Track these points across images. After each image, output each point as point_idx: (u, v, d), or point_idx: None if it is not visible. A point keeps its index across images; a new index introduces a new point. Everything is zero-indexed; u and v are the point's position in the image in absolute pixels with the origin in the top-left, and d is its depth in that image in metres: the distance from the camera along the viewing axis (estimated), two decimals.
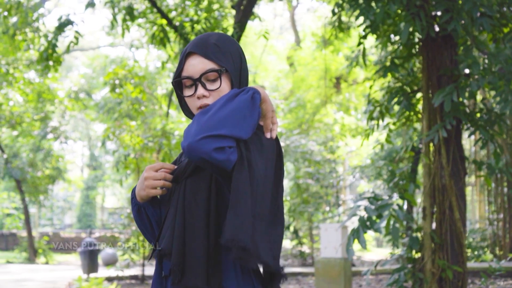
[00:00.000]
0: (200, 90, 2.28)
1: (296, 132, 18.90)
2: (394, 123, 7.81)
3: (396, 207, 6.61)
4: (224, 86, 2.30)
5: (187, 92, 2.33)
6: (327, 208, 18.35)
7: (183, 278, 2.18)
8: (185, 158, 2.40)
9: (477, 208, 20.13)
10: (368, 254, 21.18)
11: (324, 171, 17.39)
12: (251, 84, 23.50)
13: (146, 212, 2.43)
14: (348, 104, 21.15)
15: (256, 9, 11.67)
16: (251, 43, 24.81)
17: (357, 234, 6.62)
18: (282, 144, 17.95)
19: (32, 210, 30.56)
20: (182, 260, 2.19)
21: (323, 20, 18.94)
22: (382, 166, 14.24)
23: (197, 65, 2.29)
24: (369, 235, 25.61)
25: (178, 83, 2.35)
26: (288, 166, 21.75)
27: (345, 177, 17.17)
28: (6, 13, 11.26)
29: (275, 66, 26.76)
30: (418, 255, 7.03)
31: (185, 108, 2.41)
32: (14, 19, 12.53)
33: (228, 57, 2.32)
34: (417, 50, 7.28)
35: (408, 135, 9.43)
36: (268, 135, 2.24)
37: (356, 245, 23.75)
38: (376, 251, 24.03)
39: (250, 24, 21.07)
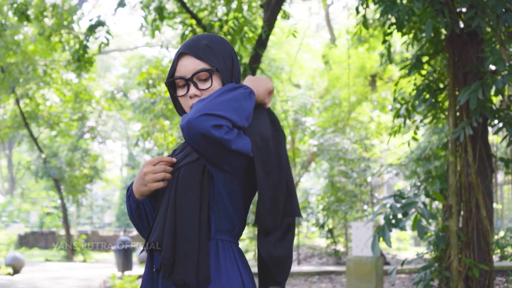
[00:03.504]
0: (192, 90, 2.34)
1: (330, 130, 18.84)
2: (421, 121, 7.75)
3: (421, 205, 6.58)
4: (215, 85, 2.36)
5: (180, 92, 2.40)
6: (365, 207, 18.25)
7: (173, 271, 2.23)
8: (180, 151, 2.47)
9: None
10: (405, 253, 21.00)
11: (358, 169, 17.30)
12: (286, 82, 23.47)
13: (145, 208, 2.48)
14: (384, 102, 21.01)
15: (290, 8, 11.65)
16: (286, 42, 24.77)
17: (382, 232, 6.60)
18: (315, 142, 17.92)
19: (71, 209, 30.96)
20: (173, 253, 2.24)
21: (357, 18, 18.81)
22: (417, 164, 14.08)
23: (189, 65, 2.35)
24: (407, 233, 25.42)
25: (171, 83, 2.42)
26: (323, 165, 21.70)
27: (376, 175, 17.04)
28: (40, 17, 11.42)
29: (310, 64, 26.68)
30: (443, 253, 6.98)
31: (179, 108, 2.48)
32: (52, 21, 12.76)
33: (219, 57, 2.38)
34: (443, 47, 7.22)
35: (444, 133, 9.34)
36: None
37: (393, 244, 23.59)
38: (413, 249, 23.80)
39: (285, 23, 21.06)
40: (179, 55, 2.39)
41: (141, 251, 2.49)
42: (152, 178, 2.37)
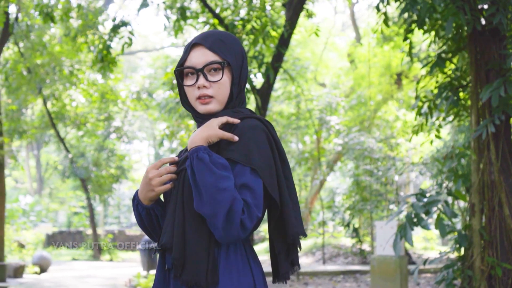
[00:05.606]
0: (201, 80, 2.34)
1: (355, 129, 18.75)
2: (443, 119, 7.70)
3: (443, 204, 6.54)
4: (225, 79, 2.37)
5: (188, 82, 2.40)
6: (391, 206, 18.15)
7: (183, 273, 2.23)
8: (186, 150, 2.46)
9: None
10: (432, 252, 20.84)
11: (384, 168, 17.19)
12: (311, 81, 23.42)
13: (156, 213, 2.47)
14: (409, 100, 20.87)
15: (314, 6, 11.63)
16: (312, 41, 24.72)
17: (404, 231, 6.57)
18: (340, 141, 17.86)
19: (99, 208, 31.17)
20: (183, 254, 2.24)
21: (377, 16, 18.69)
22: (439, 162, 13.97)
23: (201, 56, 2.36)
24: (434, 232, 25.21)
25: (180, 72, 2.42)
26: (348, 164, 21.61)
27: (398, 173, 16.90)
28: (65, 18, 11.51)
29: (336, 63, 26.59)
30: (466, 252, 6.92)
31: (183, 97, 2.47)
32: (77, 22, 12.86)
33: (231, 52, 2.39)
34: (465, 44, 7.16)
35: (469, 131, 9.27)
36: (235, 139, 2.28)
37: (420, 243, 23.43)
38: (441, 249, 23.59)
39: (309, 22, 21.01)
40: (192, 46, 2.39)
41: (154, 253, 2.50)
42: (158, 181, 2.36)
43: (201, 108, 2.38)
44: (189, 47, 2.40)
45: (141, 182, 2.42)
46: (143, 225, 2.51)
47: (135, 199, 2.47)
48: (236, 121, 2.31)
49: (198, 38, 2.40)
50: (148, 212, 2.46)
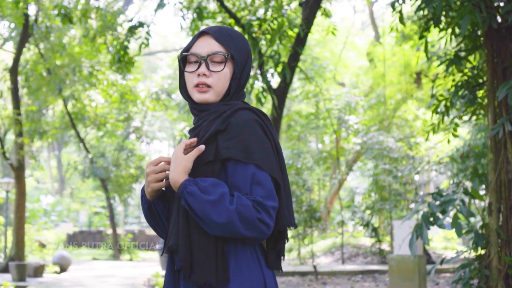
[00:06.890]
0: (202, 68, 2.36)
1: (374, 129, 18.70)
2: (460, 117, 7.65)
3: (460, 203, 6.49)
4: (226, 71, 2.38)
5: (190, 68, 2.42)
6: (411, 206, 18.04)
7: (192, 273, 2.24)
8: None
9: None
10: (452, 252, 20.70)
11: (403, 167, 17.12)
12: (330, 81, 23.36)
13: (157, 208, 2.47)
14: (429, 99, 20.76)
15: (331, 6, 11.60)
16: (331, 40, 24.68)
17: (420, 230, 6.54)
18: (359, 141, 17.82)
19: (119, 208, 31.32)
20: (189, 255, 2.24)
21: (392, 14, 18.60)
22: (455, 161, 13.85)
23: (207, 45, 2.39)
24: (453, 232, 25.01)
25: (184, 58, 2.44)
26: (368, 163, 21.56)
27: (415, 172, 16.79)
28: (83, 19, 11.60)
29: (355, 62, 26.53)
30: (484, 251, 6.87)
31: (182, 85, 2.48)
32: (97, 23, 12.95)
33: (237, 47, 2.42)
34: (481, 42, 7.11)
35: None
36: (202, 148, 2.28)
37: (440, 243, 23.30)
38: (461, 249, 23.36)
39: (328, 21, 20.98)
40: (200, 34, 2.42)
41: (161, 254, 2.51)
42: (153, 178, 2.37)
43: (197, 96, 2.38)
44: (197, 36, 2.43)
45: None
46: (148, 219, 2.52)
47: (142, 191, 2.49)
48: (193, 140, 2.31)
49: (207, 28, 2.44)
50: (150, 206, 2.47)
